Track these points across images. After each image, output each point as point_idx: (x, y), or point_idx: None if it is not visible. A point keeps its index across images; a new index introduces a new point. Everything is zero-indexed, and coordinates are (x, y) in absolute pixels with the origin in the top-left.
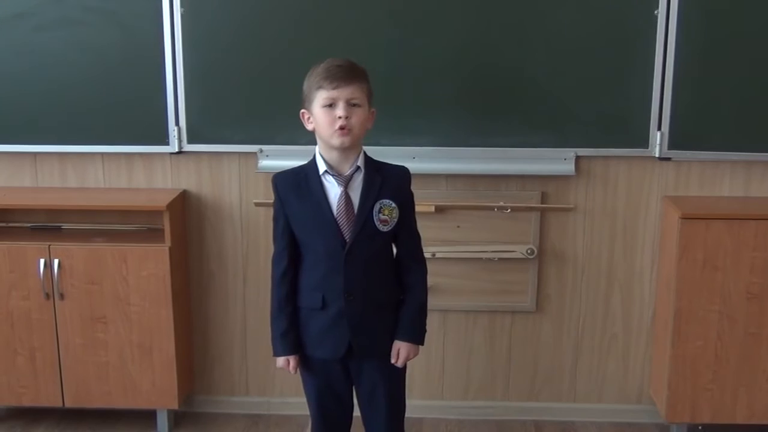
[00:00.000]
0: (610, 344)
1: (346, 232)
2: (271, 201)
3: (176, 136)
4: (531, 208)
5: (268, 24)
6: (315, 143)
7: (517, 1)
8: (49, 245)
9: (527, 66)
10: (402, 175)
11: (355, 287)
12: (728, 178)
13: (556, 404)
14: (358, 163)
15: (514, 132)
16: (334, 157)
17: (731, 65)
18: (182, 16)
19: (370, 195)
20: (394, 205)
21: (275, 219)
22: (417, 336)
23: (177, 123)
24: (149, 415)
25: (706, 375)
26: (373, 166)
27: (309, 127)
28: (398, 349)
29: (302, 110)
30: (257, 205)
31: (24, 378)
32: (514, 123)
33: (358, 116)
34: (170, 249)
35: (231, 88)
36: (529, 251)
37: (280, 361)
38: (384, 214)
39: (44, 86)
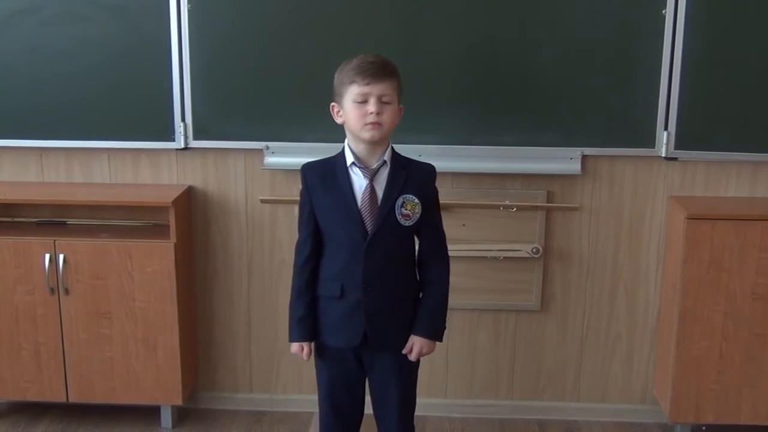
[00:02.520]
0: (615, 344)
1: (369, 224)
2: (277, 198)
3: (182, 132)
4: (536, 207)
5: (274, 20)
6: (320, 140)
7: (523, 1)
8: (55, 240)
9: (534, 65)
10: (428, 172)
11: (374, 279)
12: (734, 178)
13: (560, 403)
14: (385, 158)
15: (520, 131)
16: (362, 149)
17: (738, 65)
18: (189, 11)
19: (394, 189)
20: (417, 200)
21: (301, 207)
22: (433, 332)
23: (183, 119)
24: (153, 411)
25: (710, 375)
26: (399, 162)
27: (338, 120)
28: (413, 344)
29: (332, 103)
30: (263, 201)
31: (28, 373)
32: (520, 122)
33: (389, 113)
34: (175, 245)
35: (237, 84)
36: (534, 250)
37: (294, 346)
38: (406, 209)
39: (50, 82)
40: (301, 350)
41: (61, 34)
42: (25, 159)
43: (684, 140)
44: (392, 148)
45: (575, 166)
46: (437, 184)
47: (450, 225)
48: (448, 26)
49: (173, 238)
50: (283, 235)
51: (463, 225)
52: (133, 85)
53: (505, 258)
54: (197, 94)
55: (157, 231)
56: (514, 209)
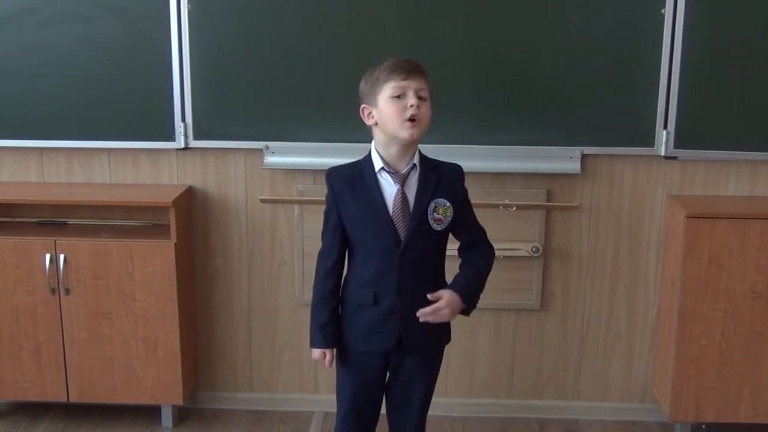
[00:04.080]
0: (615, 343)
1: (402, 231)
2: (277, 198)
3: (182, 132)
4: (536, 207)
5: (275, 20)
6: (320, 140)
7: (523, 1)
8: (55, 240)
9: (534, 64)
10: (457, 173)
11: (407, 285)
12: (734, 177)
13: (560, 402)
14: (415, 161)
15: (520, 130)
16: (393, 153)
17: (738, 64)
18: (189, 12)
19: (425, 194)
20: (448, 204)
21: (327, 214)
22: (466, 293)
23: (183, 119)
24: (153, 411)
25: (710, 374)
26: (428, 164)
27: (369, 122)
28: (441, 296)
29: (363, 105)
30: (263, 201)
31: (29, 373)
32: (519, 121)
33: (426, 109)
34: (176, 245)
35: (237, 84)
36: (534, 249)
37: (316, 353)
38: (438, 213)
39: (51, 82)
40: (323, 357)
41: (62, 34)
42: (25, 159)
43: (683, 139)
44: (419, 150)
45: (575, 166)
46: None
47: None
48: (448, 27)
49: (173, 238)
50: (283, 235)
51: None
52: (133, 85)
53: (505, 257)
54: (197, 94)
55: (158, 231)
56: (514, 208)
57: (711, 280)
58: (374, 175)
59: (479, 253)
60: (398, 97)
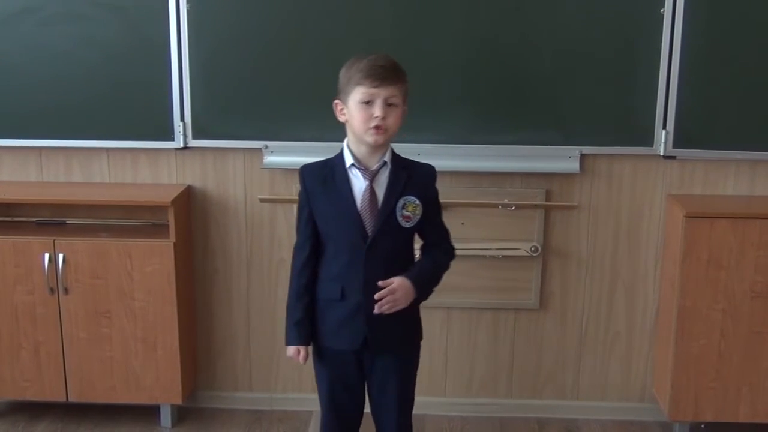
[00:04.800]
0: (614, 342)
1: (369, 226)
2: (276, 197)
3: (181, 132)
4: (535, 206)
5: (274, 20)
6: (319, 140)
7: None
8: (54, 240)
9: (532, 63)
10: (428, 173)
11: (374, 281)
12: (733, 176)
13: (559, 402)
14: (385, 159)
15: (519, 130)
16: (362, 151)
17: (737, 63)
18: (188, 11)
19: (394, 191)
20: (418, 202)
21: (299, 209)
22: (417, 281)
23: (182, 118)
24: (153, 410)
25: (709, 374)
26: (399, 163)
27: (341, 118)
28: (392, 281)
29: (335, 100)
30: (262, 201)
31: (28, 372)
32: (518, 121)
33: (394, 117)
34: (175, 244)
35: (236, 84)
36: (533, 249)
37: (291, 350)
38: (407, 211)
39: (50, 81)
40: (297, 354)
41: (61, 33)
42: (24, 159)
43: (682, 139)
44: (392, 149)
45: (574, 165)
46: (436, 184)
47: (449, 224)
48: (447, 25)
49: (172, 238)
50: (282, 234)
51: (462, 224)
52: (132, 84)
53: (504, 256)
54: (196, 93)
55: (157, 230)
56: (513, 208)
57: (710, 280)
58: (345, 171)
59: (440, 250)
60: (367, 103)
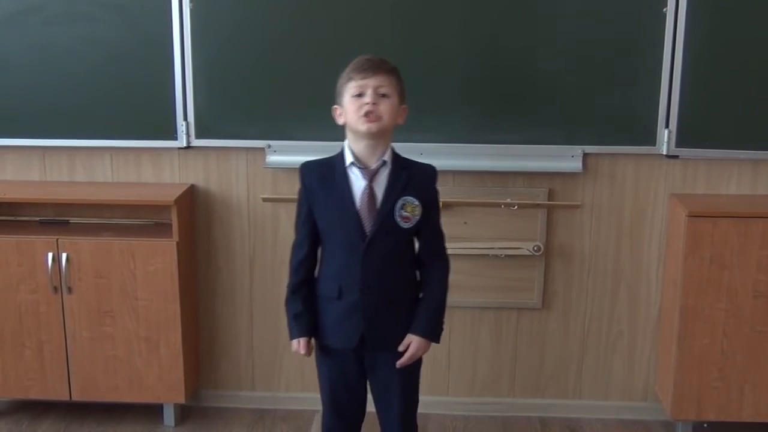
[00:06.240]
0: (616, 341)
1: (367, 226)
2: (279, 197)
3: (184, 131)
4: (538, 205)
5: (276, 20)
6: (321, 139)
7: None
8: (57, 239)
9: (535, 63)
10: (429, 173)
11: (372, 280)
12: (735, 176)
13: (561, 401)
14: (385, 158)
15: (522, 129)
16: (361, 148)
17: (739, 63)
18: (191, 11)
19: (394, 191)
20: (417, 202)
21: (299, 206)
22: (429, 332)
23: (185, 118)
24: (156, 409)
25: (712, 373)
26: (400, 163)
27: (340, 121)
28: (409, 343)
29: (334, 106)
30: (265, 200)
31: (31, 371)
32: (521, 120)
33: (387, 105)
34: (178, 244)
35: (239, 83)
36: (535, 248)
37: (294, 343)
38: (406, 211)
39: (53, 81)
40: (299, 346)
41: (64, 33)
42: (27, 158)
43: (685, 138)
44: (392, 149)
45: (576, 164)
46: (439, 183)
47: (451, 223)
48: (449, 25)
49: (175, 237)
50: (285, 234)
51: (465, 223)
52: (135, 84)
53: (507, 256)
54: (199, 93)
55: (160, 230)
56: (516, 207)
57: (712, 279)
58: (344, 170)
59: (437, 279)
60: (359, 95)
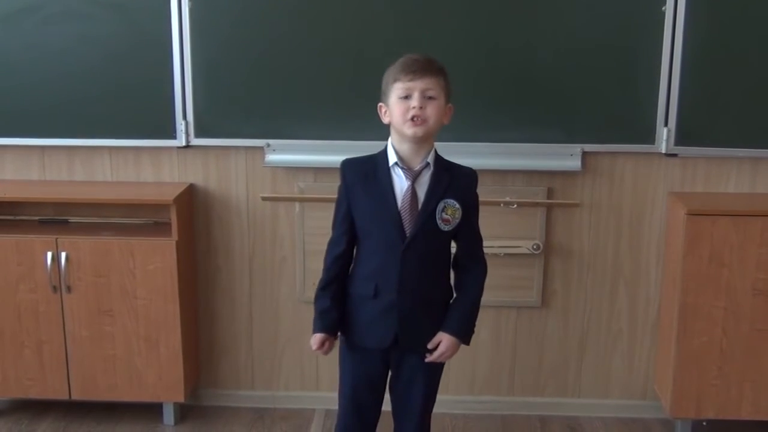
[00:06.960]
0: (616, 340)
1: (408, 227)
2: (278, 195)
3: (183, 130)
4: (537, 204)
5: (275, 18)
6: (321, 138)
7: None
8: (57, 238)
9: (534, 62)
10: (470, 176)
11: (409, 281)
12: (734, 174)
13: (561, 399)
14: (429, 160)
15: (521, 128)
16: (405, 149)
17: (738, 61)
18: (190, 10)
19: (436, 193)
20: (458, 206)
21: (338, 204)
22: (461, 332)
23: (184, 117)
24: (155, 408)
25: (711, 371)
26: (442, 165)
27: (385, 120)
28: (439, 341)
29: (380, 104)
30: (264, 199)
31: (31, 370)
32: (520, 119)
33: (434, 108)
34: (177, 243)
35: (238, 82)
36: (535, 247)
37: (314, 338)
38: (447, 214)
39: (52, 80)
40: (320, 343)
41: (63, 32)
42: (27, 157)
43: (684, 136)
44: (436, 150)
45: (576, 163)
46: None
47: None
48: (449, 24)
49: (175, 236)
50: (284, 233)
51: None
52: (134, 83)
53: (506, 254)
54: (198, 92)
55: (159, 229)
56: (515, 206)
57: (712, 277)
58: (388, 169)
59: (473, 281)
60: (405, 97)
